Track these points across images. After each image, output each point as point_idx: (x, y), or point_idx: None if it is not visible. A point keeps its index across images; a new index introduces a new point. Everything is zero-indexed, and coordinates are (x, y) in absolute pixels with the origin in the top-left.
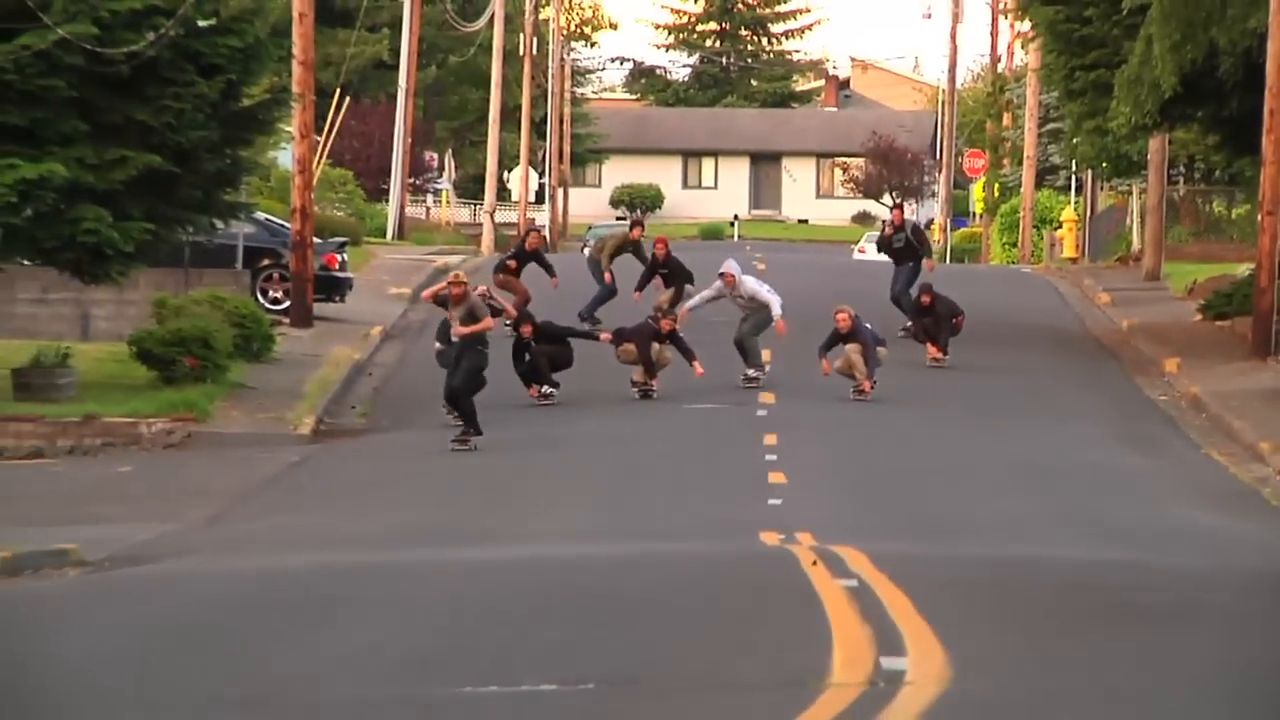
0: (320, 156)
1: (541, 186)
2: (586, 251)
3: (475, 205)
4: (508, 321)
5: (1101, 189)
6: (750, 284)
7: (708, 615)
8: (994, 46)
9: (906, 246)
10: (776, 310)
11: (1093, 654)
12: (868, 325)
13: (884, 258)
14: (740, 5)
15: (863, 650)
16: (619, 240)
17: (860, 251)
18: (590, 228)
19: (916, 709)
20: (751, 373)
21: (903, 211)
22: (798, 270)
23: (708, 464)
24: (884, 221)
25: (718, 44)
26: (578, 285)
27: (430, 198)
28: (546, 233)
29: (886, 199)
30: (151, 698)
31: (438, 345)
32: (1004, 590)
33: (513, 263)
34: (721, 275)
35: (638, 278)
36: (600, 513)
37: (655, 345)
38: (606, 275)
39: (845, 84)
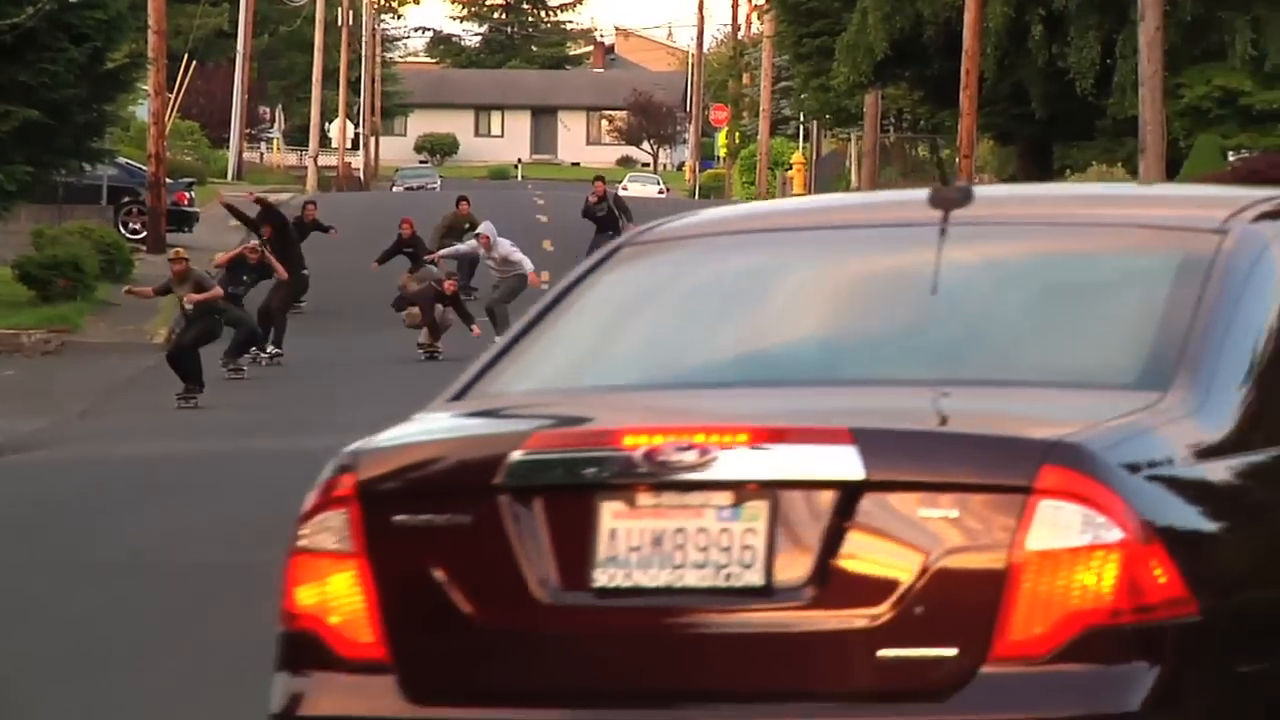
0: (171, 111)
1: (357, 135)
2: (395, 189)
3: (301, 151)
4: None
5: (825, 137)
6: (504, 246)
7: None
8: (734, 17)
9: (608, 215)
10: (528, 266)
11: None
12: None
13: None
14: None
15: None
16: (448, 220)
17: (624, 189)
18: (398, 170)
19: None
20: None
21: (604, 183)
22: (572, 203)
23: None
24: (587, 196)
25: (504, 15)
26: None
27: (264, 145)
28: (361, 175)
29: (645, 145)
30: (36, 562)
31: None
32: None
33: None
34: (477, 235)
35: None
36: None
37: (439, 307)
38: (435, 256)
39: (611, 49)
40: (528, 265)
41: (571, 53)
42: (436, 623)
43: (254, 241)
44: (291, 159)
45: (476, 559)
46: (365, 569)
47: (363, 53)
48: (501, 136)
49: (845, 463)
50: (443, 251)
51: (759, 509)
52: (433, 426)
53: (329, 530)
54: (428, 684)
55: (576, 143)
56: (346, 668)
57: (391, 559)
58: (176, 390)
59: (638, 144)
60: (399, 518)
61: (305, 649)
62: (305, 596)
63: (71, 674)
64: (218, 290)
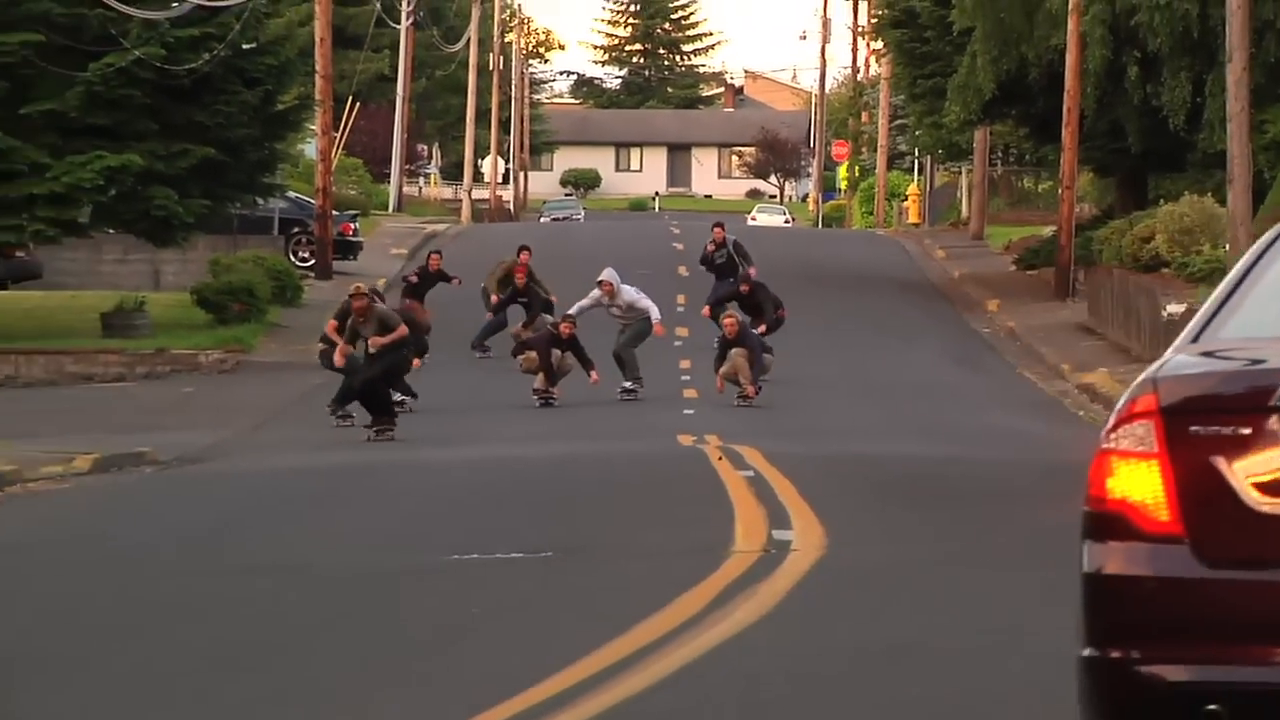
0: (337, 149)
1: (507, 170)
2: (543, 220)
3: (456, 185)
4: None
5: (938, 170)
6: (629, 293)
7: (639, 499)
8: (854, 60)
9: (728, 263)
10: (655, 315)
11: (932, 527)
12: (755, 332)
13: (710, 266)
14: (659, 30)
15: (758, 525)
16: (506, 267)
17: (753, 219)
18: (545, 202)
19: (801, 569)
20: (629, 384)
21: (723, 230)
22: (705, 233)
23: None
24: (705, 243)
25: (642, 60)
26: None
27: (421, 179)
28: (511, 207)
29: (772, 179)
30: (210, 564)
31: (321, 346)
32: (866, 479)
33: (414, 278)
34: (600, 284)
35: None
36: (547, 424)
37: (556, 352)
38: (494, 298)
39: (740, 90)
40: (655, 312)
41: (704, 94)
42: (1221, 506)
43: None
44: (447, 192)
45: (1255, 459)
46: (1165, 465)
47: (512, 95)
48: (640, 171)
49: None
50: (570, 310)
51: None
52: (1196, 360)
53: (1134, 437)
54: (1215, 552)
55: (709, 177)
56: (1147, 539)
57: (1185, 458)
58: (365, 423)
59: (765, 177)
60: (1193, 427)
61: (1112, 525)
62: (1113, 486)
63: (241, 666)
64: (402, 330)
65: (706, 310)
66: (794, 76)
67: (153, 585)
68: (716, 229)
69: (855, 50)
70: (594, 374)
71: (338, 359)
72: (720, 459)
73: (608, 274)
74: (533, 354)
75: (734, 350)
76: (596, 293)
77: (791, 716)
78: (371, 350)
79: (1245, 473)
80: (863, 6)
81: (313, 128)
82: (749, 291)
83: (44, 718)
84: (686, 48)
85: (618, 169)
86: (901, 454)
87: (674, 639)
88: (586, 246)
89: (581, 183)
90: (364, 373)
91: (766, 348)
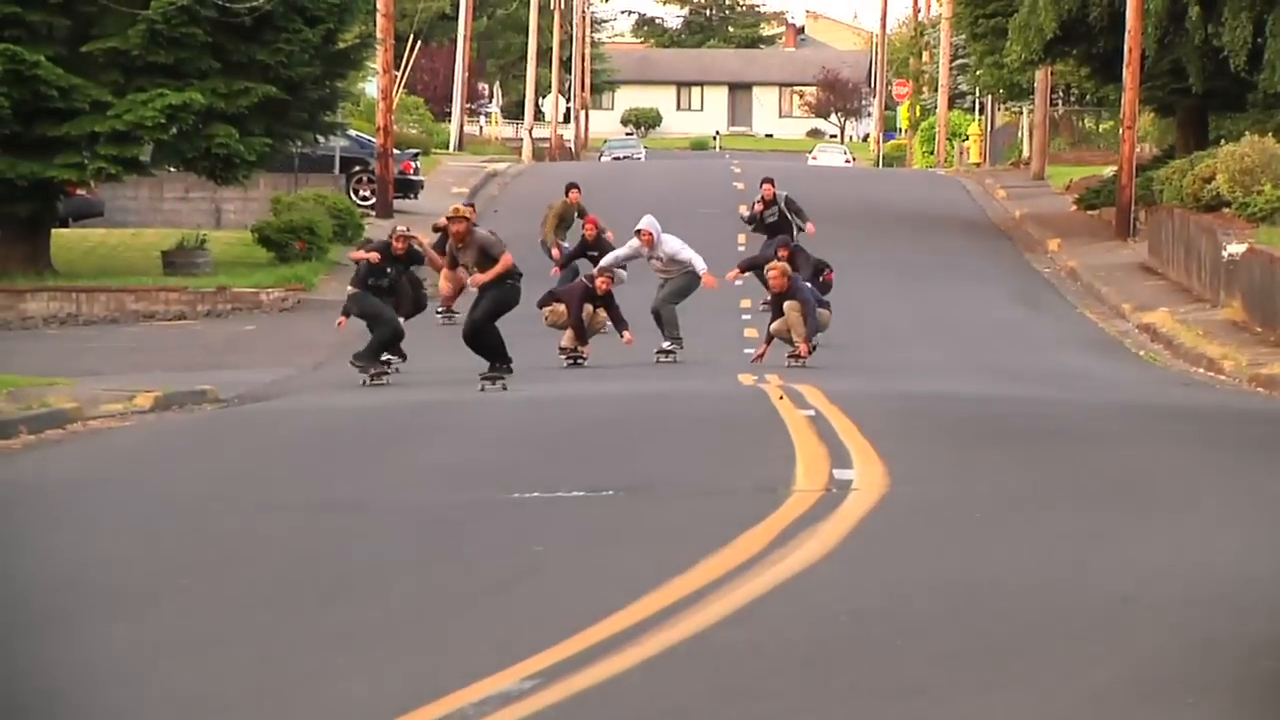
0: (398, 88)
1: (568, 110)
2: (603, 159)
3: (517, 124)
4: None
5: (999, 110)
6: (670, 243)
7: (700, 439)
8: (915, 0)
9: (780, 221)
10: (700, 265)
11: (994, 464)
12: (806, 283)
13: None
14: None
15: (820, 464)
16: (558, 210)
17: (813, 159)
18: (606, 141)
19: (864, 508)
20: (667, 345)
21: (774, 185)
22: (766, 173)
23: (693, 333)
24: (754, 201)
25: None
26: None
27: (482, 119)
28: (572, 146)
29: (833, 118)
30: (273, 501)
31: (351, 289)
32: (928, 418)
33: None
34: (638, 233)
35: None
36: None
37: (588, 307)
38: (555, 252)
39: (801, 30)
40: (699, 263)
41: (765, 34)
42: None
43: (401, 228)
44: (508, 132)
45: None
46: None
47: (574, 33)
48: (701, 110)
49: None
50: (603, 261)
51: None
52: None
53: None
54: None
55: (769, 116)
56: None
57: None
58: (480, 371)
59: (826, 117)
60: None
61: None
62: None
63: (305, 603)
64: (507, 259)
65: (734, 273)
66: (855, 16)
67: (216, 521)
68: (766, 185)
69: None
70: (627, 334)
71: (443, 286)
72: (781, 398)
73: (646, 222)
74: (561, 307)
75: (787, 304)
76: (635, 243)
77: (858, 651)
78: (472, 287)
79: None
80: None
81: (374, 66)
82: (787, 256)
83: (118, 650)
84: None
85: (678, 108)
86: (963, 393)
87: (738, 576)
88: (648, 185)
89: (642, 122)
90: (469, 317)
91: (823, 302)
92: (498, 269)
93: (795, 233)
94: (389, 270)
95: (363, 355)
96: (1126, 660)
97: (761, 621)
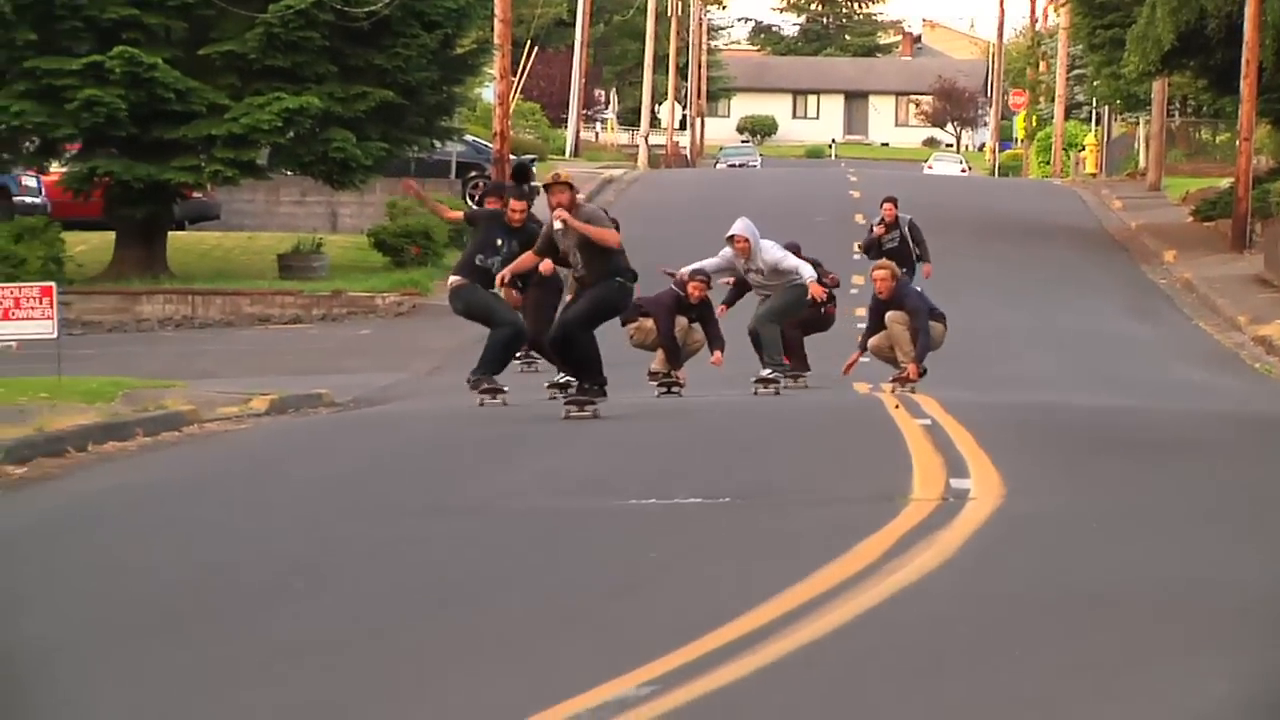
0: (515, 93)
1: (684, 116)
2: (719, 166)
3: (633, 131)
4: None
5: (1115, 120)
6: (771, 251)
7: (815, 447)
8: (1033, 10)
9: (901, 248)
10: (808, 273)
11: (1112, 478)
12: (918, 288)
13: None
14: None
15: (936, 474)
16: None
17: (929, 168)
18: (722, 148)
19: (980, 518)
20: (767, 373)
21: (895, 206)
22: (882, 182)
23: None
24: (872, 223)
25: (820, 7)
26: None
27: (598, 125)
28: (688, 153)
29: (949, 127)
30: (390, 505)
31: (456, 279)
32: (1044, 429)
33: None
34: (731, 239)
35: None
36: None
37: (681, 320)
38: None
39: (918, 39)
40: (807, 270)
41: (881, 42)
42: None
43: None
44: (624, 138)
45: None
46: None
47: (690, 41)
48: (817, 118)
49: None
50: (686, 269)
51: None
52: None
53: None
54: None
55: (885, 124)
56: None
57: None
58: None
59: (942, 126)
60: None
61: None
62: None
63: (420, 610)
64: (613, 236)
65: (854, 358)
66: (972, 25)
67: (331, 525)
68: (887, 205)
69: (1034, 0)
70: (718, 353)
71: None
72: (897, 407)
73: (741, 226)
74: (648, 322)
75: (890, 315)
76: (728, 251)
77: (974, 662)
78: (578, 273)
79: None
80: None
81: (491, 72)
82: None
83: (233, 653)
84: None
85: (794, 116)
86: (1080, 404)
87: (855, 584)
88: (763, 194)
89: (758, 129)
90: (562, 314)
91: (936, 313)
92: (604, 236)
93: (916, 259)
94: (501, 244)
95: (478, 367)
96: (1243, 675)
97: (878, 631)
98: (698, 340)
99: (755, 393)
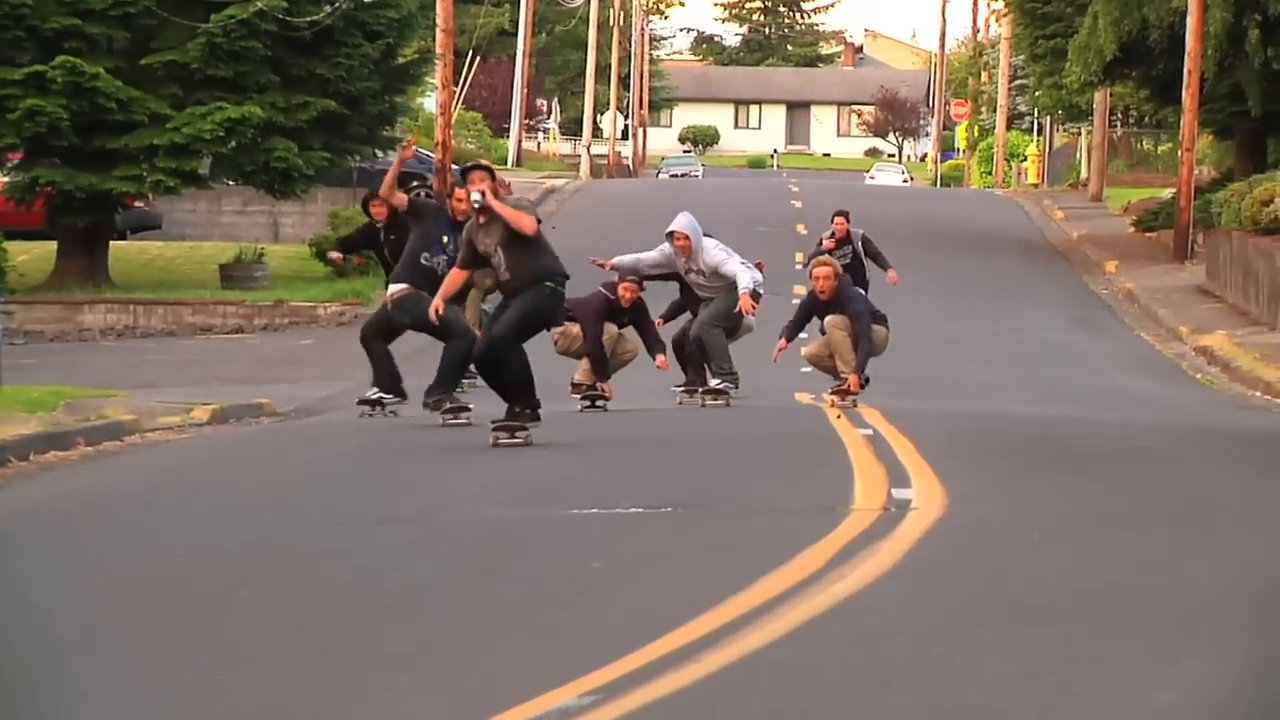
0: (457, 103)
1: (626, 126)
2: (661, 176)
3: (575, 140)
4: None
5: (1058, 131)
6: (713, 253)
7: (758, 456)
8: (974, 20)
9: (853, 264)
10: (745, 282)
11: (1055, 487)
12: (860, 291)
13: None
14: None
15: (878, 484)
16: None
17: (871, 178)
18: (664, 158)
19: (922, 528)
20: (716, 383)
21: (847, 220)
22: (824, 192)
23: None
24: (822, 235)
25: (762, 17)
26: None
27: (540, 135)
28: (630, 163)
29: (891, 138)
30: (332, 515)
31: (399, 288)
32: (986, 438)
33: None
34: (670, 235)
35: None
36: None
37: (610, 327)
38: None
39: (860, 49)
40: (745, 277)
41: (823, 52)
42: None
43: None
44: (566, 148)
45: None
46: None
47: (632, 50)
48: (759, 129)
49: None
50: (619, 259)
51: None
52: None
53: None
54: None
55: (828, 135)
56: None
57: None
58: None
59: (884, 136)
60: None
61: None
62: None
63: (367, 616)
64: (533, 224)
65: (781, 345)
66: (914, 36)
67: (274, 534)
68: (838, 219)
69: (975, 10)
70: (661, 356)
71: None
72: (839, 417)
73: (683, 222)
74: (575, 328)
75: (830, 320)
76: (666, 248)
77: (918, 671)
78: (503, 277)
79: None
80: None
81: (433, 81)
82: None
83: (175, 663)
84: (806, 5)
85: (736, 126)
86: (1021, 414)
87: (798, 594)
88: (705, 203)
89: (700, 139)
90: (500, 322)
91: (879, 315)
92: (519, 221)
93: (868, 276)
94: (448, 240)
95: (435, 385)
96: (1188, 682)
97: (821, 640)
98: (629, 350)
99: (703, 404)
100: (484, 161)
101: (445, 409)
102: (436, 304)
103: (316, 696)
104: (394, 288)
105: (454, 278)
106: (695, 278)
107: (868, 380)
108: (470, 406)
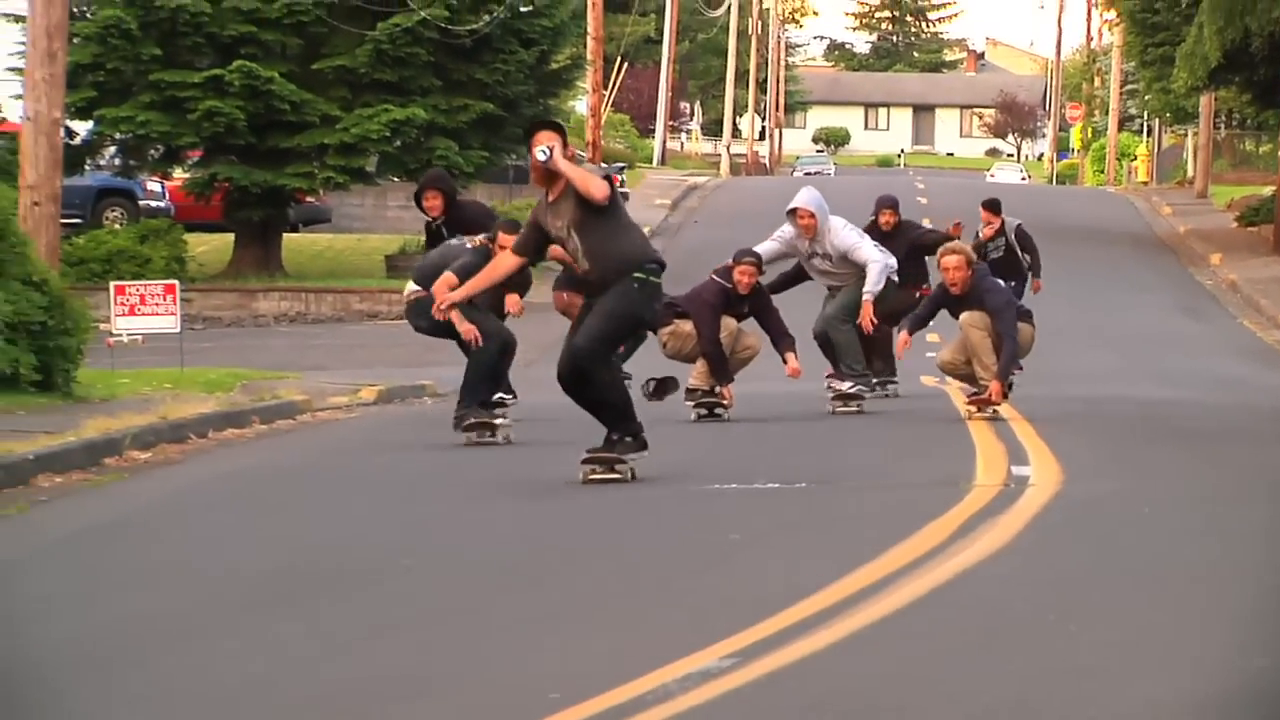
0: (606, 105)
1: (763, 128)
2: (795, 174)
3: (715, 140)
4: None
5: (1165, 132)
6: (843, 234)
7: (886, 436)
8: (1088, 29)
9: (1007, 257)
10: (875, 278)
11: (1164, 463)
12: (999, 282)
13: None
14: None
15: (998, 461)
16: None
17: (991, 176)
18: (798, 158)
19: (1040, 502)
20: (846, 386)
21: (993, 212)
22: (948, 189)
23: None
24: (978, 229)
25: (890, 26)
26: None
27: (684, 135)
28: (767, 162)
29: (1010, 139)
30: (478, 491)
31: (415, 290)
32: (1100, 419)
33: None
34: (792, 213)
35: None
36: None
37: (730, 322)
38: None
39: (981, 56)
40: (877, 274)
41: (947, 59)
42: None
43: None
44: (707, 148)
45: None
46: None
47: (769, 57)
48: (887, 130)
49: None
50: (761, 247)
51: None
52: None
53: None
54: None
55: (951, 136)
56: None
57: None
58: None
59: (1003, 137)
60: None
61: None
62: None
63: (512, 586)
64: (605, 189)
65: (904, 339)
66: (1031, 44)
67: (437, 507)
68: (986, 211)
69: (1089, 19)
70: (792, 359)
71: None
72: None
73: (806, 198)
74: (686, 325)
75: (965, 317)
76: (789, 229)
77: (1033, 636)
78: (583, 267)
79: None
80: None
81: (584, 85)
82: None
83: (337, 629)
84: (932, 15)
85: (866, 127)
86: (1133, 396)
87: (923, 564)
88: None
89: (832, 140)
90: (582, 330)
91: (1023, 311)
92: (588, 185)
93: (1025, 268)
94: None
95: (461, 400)
96: None
97: (944, 608)
98: (749, 346)
99: (833, 411)
100: (552, 118)
101: (467, 424)
102: (445, 297)
103: (463, 658)
104: (410, 288)
105: (498, 266)
106: (820, 263)
107: (1011, 387)
108: (499, 421)
